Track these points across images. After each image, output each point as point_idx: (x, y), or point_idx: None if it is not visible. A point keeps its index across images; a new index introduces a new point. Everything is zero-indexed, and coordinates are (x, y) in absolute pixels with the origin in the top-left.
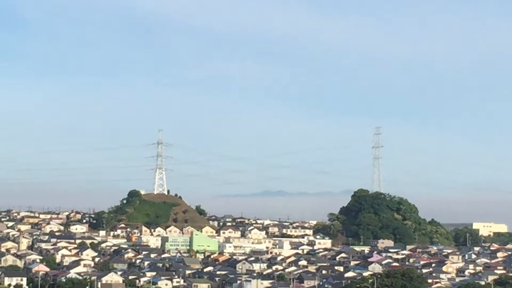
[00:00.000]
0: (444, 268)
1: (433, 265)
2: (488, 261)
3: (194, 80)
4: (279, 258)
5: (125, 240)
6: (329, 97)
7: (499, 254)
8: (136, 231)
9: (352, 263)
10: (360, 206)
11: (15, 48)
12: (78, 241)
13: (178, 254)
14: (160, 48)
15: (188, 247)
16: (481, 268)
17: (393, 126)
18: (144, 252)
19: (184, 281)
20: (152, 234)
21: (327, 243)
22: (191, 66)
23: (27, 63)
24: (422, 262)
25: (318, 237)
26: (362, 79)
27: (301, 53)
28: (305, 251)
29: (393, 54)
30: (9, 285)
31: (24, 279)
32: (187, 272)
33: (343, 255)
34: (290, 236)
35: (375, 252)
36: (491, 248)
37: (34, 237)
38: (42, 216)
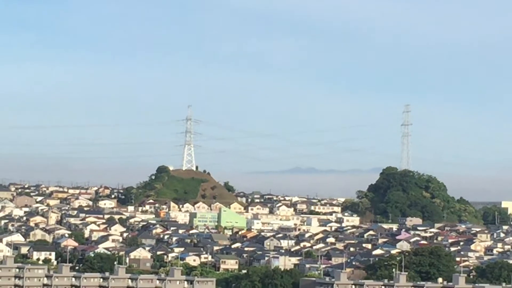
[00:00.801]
0: (472, 247)
1: (461, 243)
2: None
3: (225, 57)
4: (307, 235)
5: (154, 216)
6: (360, 75)
7: None
8: (164, 206)
9: (380, 240)
10: (389, 184)
11: (50, 22)
12: (106, 216)
13: (206, 230)
14: (193, 24)
15: (216, 223)
16: (509, 246)
17: (423, 104)
18: (172, 228)
19: (212, 257)
20: (180, 210)
21: (355, 220)
22: (223, 43)
23: (64, 38)
24: (450, 240)
25: (346, 214)
26: (393, 57)
27: (333, 31)
28: (333, 228)
29: (425, 33)
30: (38, 259)
31: (53, 253)
32: (215, 248)
33: (371, 232)
34: (318, 213)
35: (403, 229)
36: None
37: (63, 212)
38: (71, 191)
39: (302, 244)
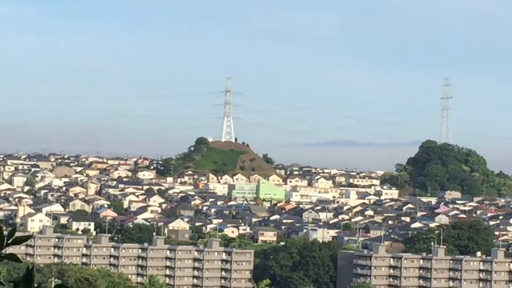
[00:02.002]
0: (511, 221)
1: (501, 217)
2: None
3: (263, 30)
4: (345, 208)
5: (192, 187)
6: (399, 47)
7: None
8: (203, 178)
9: (419, 214)
10: (428, 157)
11: None
12: (145, 187)
13: (245, 202)
14: None
15: (254, 195)
16: None
17: (463, 77)
18: (210, 199)
19: (250, 229)
20: (219, 182)
21: (394, 193)
22: (261, 16)
23: (103, 9)
24: (489, 214)
25: (385, 187)
26: (433, 29)
27: (369, 3)
28: (371, 201)
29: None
30: (77, 229)
31: (92, 224)
32: (253, 220)
33: (410, 205)
34: (357, 186)
35: (442, 203)
36: None
37: (102, 182)
38: (110, 162)
39: (340, 217)
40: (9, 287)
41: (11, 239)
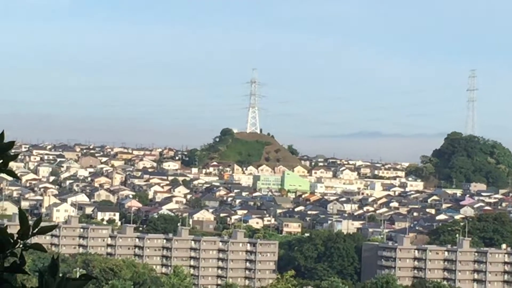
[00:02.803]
0: None
1: None
2: None
3: (290, 19)
4: (370, 199)
5: (217, 178)
6: (425, 38)
7: None
8: (228, 169)
9: (444, 206)
10: (453, 149)
11: None
12: (170, 177)
13: (270, 193)
14: None
15: (279, 186)
16: None
17: (489, 69)
18: (235, 190)
19: (275, 220)
20: (244, 173)
21: (419, 185)
22: (288, 5)
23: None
24: None
25: (410, 179)
26: (460, 20)
27: None
28: (396, 193)
29: None
30: (102, 219)
31: (117, 214)
32: (278, 211)
33: (435, 197)
34: (382, 178)
35: (467, 195)
36: None
37: (127, 173)
38: (135, 152)
39: (365, 208)
40: (34, 276)
41: (37, 229)
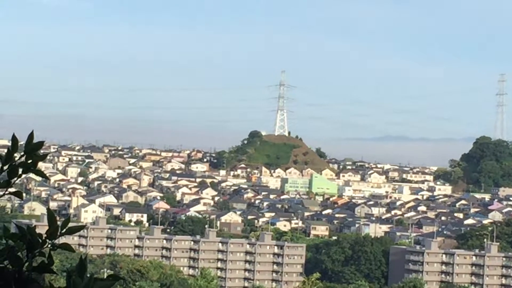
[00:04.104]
0: None
1: None
2: None
3: (318, 22)
4: (398, 203)
5: (245, 180)
6: (454, 41)
7: None
8: (256, 171)
9: (472, 210)
10: (482, 153)
11: None
12: (198, 179)
13: (297, 196)
14: None
15: (307, 189)
16: None
17: None
18: (263, 193)
19: (302, 223)
20: (272, 175)
21: (447, 189)
22: (317, 8)
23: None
24: None
25: (438, 183)
26: (489, 24)
27: None
28: (424, 197)
29: None
30: (130, 220)
31: (145, 215)
32: (306, 214)
33: (463, 202)
34: (410, 181)
35: (496, 200)
36: None
37: (155, 174)
38: (163, 154)
39: (393, 212)
40: (62, 276)
41: (65, 229)
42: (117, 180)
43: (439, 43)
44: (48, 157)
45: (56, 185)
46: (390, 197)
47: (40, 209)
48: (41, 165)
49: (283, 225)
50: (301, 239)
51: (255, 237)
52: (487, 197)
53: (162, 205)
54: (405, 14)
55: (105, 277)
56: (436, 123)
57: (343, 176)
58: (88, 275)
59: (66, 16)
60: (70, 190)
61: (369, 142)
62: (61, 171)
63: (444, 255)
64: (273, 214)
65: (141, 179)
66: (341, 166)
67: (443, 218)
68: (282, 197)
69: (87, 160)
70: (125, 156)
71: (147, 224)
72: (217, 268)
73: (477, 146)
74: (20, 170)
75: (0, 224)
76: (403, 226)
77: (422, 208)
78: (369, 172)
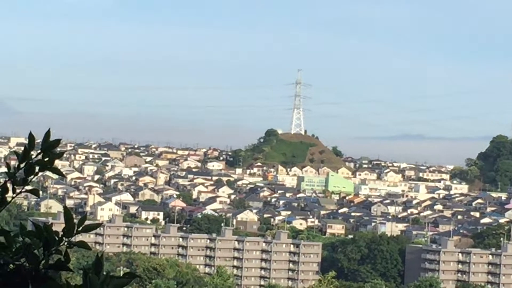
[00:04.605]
0: None
1: None
2: None
3: (334, 21)
4: (414, 202)
5: (261, 179)
6: (469, 39)
7: None
8: (272, 170)
9: (489, 209)
10: (499, 152)
11: None
12: (214, 178)
13: (314, 194)
14: None
15: (323, 188)
16: None
17: None
18: (279, 191)
19: (318, 221)
20: (288, 174)
21: (463, 188)
22: (333, 8)
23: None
24: None
25: (454, 182)
26: (507, 23)
27: None
28: (441, 196)
29: None
30: (146, 218)
31: (161, 213)
32: (322, 212)
33: (479, 200)
34: (426, 180)
35: None
36: None
37: (172, 172)
38: (180, 152)
39: (409, 211)
40: (78, 274)
41: (81, 227)
42: (134, 178)
43: (456, 41)
44: (64, 155)
45: (72, 183)
46: (407, 196)
47: (56, 207)
48: (57, 163)
49: (299, 224)
50: (317, 238)
51: (271, 235)
52: (503, 196)
53: (178, 203)
54: (421, 13)
55: (121, 275)
56: (452, 122)
57: (359, 174)
58: (105, 273)
59: (83, 14)
60: (86, 188)
61: (385, 141)
62: (78, 169)
63: (460, 254)
64: (289, 212)
65: (158, 177)
66: (357, 165)
67: (459, 217)
68: (298, 195)
69: (103, 158)
70: (141, 154)
71: (163, 222)
72: (233, 267)
73: (493, 145)
74: (37, 168)
75: (17, 221)
76: (419, 225)
77: (439, 207)
78: (385, 171)
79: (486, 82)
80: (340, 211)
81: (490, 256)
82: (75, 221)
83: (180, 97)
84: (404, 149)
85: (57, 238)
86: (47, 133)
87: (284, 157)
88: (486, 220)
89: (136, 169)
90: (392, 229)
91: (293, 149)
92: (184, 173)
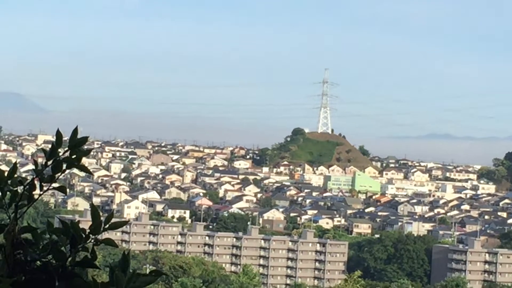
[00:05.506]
0: None
1: None
2: None
3: (362, 20)
4: (441, 202)
5: (288, 178)
6: (498, 40)
7: None
8: (299, 168)
9: None
10: None
11: None
12: (241, 176)
13: (340, 194)
14: None
15: (350, 187)
16: None
17: None
18: (306, 190)
19: (345, 221)
20: (314, 173)
21: (491, 188)
22: (359, 6)
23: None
24: None
25: (482, 181)
26: None
27: None
28: (468, 196)
29: None
30: (173, 217)
31: (187, 211)
32: (348, 211)
33: (507, 201)
34: (453, 180)
35: None
36: None
37: (198, 171)
38: (206, 151)
39: (436, 211)
40: (104, 272)
41: (108, 225)
42: (160, 176)
43: (482, 42)
44: (91, 153)
45: (99, 180)
46: (433, 196)
47: (83, 205)
48: (84, 160)
49: (325, 223)
50: (343, 237)
51: (297, 234)
52: None
53: (205, 202)
54: (450, 13)
55: (147, 272)
56: (480, 122)
57: (386, 174)
58: (131, 271)
59: (110, 12)
60: (113, 186)
61: (412, 140)
62: (105, 167)
63: (487, 254)
64: (315, 211)
65: (184, 175)
66: (384, 164)
67: (486, 217)
68: (324, 194)
69: (130, 156)
70: (168, 152)
71: (189, 221)
72: (259, 265)
73: None
74: (64, 165)
75: (44, 219)
76: (446, 224)
77: (465, 206)
78: (412, 170)
79: None
80: (366, 210)
81: None
82: (102, 218)
83: (207, 96)
84: (431, 149)
85: (83, 236)
86: (75, 131)
87: (311, 156)
88: None
89: (162, 167)
90: (419, 228)
91: (320, 148)
92: (210, 171)
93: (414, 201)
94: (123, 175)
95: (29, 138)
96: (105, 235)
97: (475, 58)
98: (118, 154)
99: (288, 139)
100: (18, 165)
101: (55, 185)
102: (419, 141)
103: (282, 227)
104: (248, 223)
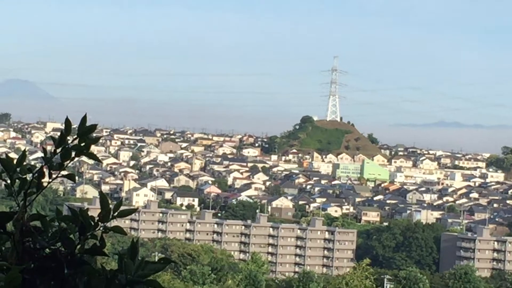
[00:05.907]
0: None
1: None
2: None
3: (372, 10)
4: (450, 190)
5: (296, 166)
6: (508, 29)
7: None
8: (307, 156)
9: None
10: None
11: None
12: (250, 164)
13: (349, 182)
14: None
15: (358, 175)
16: None
17: None
18: (314, 178)
19: (353, 209)
20: (323, 161)
21: (499, 176)
22: None
23: None
24: None
25: (491, 170)
26: None
27: None
28: (476, 184)
29: None
30: (181, 204)
31: (196, 199)
32: (357, 199)
33: None
34: (462, 168)
35: None
36: None
37: (207, 158)
38: (215, 139)
39: (444, 199)
40: (113, 259)
41: (117, 212)
42: (169, 164)
43: (493, 31)
44: (100, 141)
45: (108, 168)
46: (442, 184)
47: (92, 192)
48: (93, 148)
49: (334, 211)
50: (352, 225)
51: (306, 222)
52: None
53: (214, 190)
54: (461, 2)
55: (156, 260)
56: (489, 110)
57: (395, 162)
58: (140, 258)
59: (123, 2)
60: (122, 174)
61: (421, 128)
62: (113, 155)
63: (496, 243)
64: (324, 199)
65: (193, 163)
66: (393, 152)
67: (495, 205)
68: (333, 182)
69: (139, 144)
70: (177, 140)
71: (198, 208)
72: (268, 253)
73: None
74: (73, 153)
75: (53, 206)
76: (454, 212)
77: (474, 195)
78: (421, 158)
79: None
80: (375, 198)
81: None
82: (111, 206)
83: (216, 84)
84: (440, 137)
85: (92, 223)
86: (84, 118)
87: (320, 144)
88: None
89: (171, 155)
90: (428, 217)
91: (329, 136)
92: (219, 159)
93: (423, 189)
94: (132, 163)
95: (38, 125)
96: (114, 223)
97: (483, 45)
98: (127, 142)
99: (297, 127)
100: (27, 153)
101: (64, 172)
102: (428, 129)
103: (291, 215)
104: (257, 211)
